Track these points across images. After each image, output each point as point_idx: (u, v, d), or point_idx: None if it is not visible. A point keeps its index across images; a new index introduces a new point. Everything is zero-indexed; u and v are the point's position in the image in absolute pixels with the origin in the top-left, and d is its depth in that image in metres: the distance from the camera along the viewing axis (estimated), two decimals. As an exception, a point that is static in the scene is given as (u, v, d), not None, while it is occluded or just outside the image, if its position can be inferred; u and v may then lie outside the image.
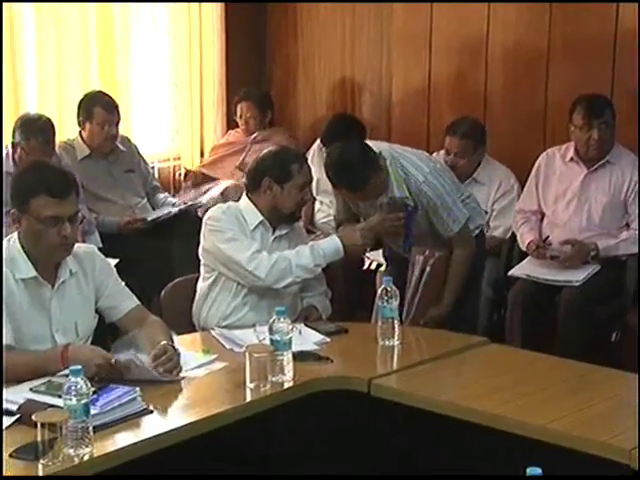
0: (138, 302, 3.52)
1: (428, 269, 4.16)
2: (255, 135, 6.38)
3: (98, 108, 5.47)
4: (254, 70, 6.86)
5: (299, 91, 6.81)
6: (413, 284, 4.20)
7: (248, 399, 3.10)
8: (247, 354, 3.13)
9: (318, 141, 5.93)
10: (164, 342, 3.25)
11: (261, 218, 3.98)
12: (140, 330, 3.42)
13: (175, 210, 5.68)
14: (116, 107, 5.54)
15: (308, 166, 4.09)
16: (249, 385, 3.11)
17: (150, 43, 6.36)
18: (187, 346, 3.48)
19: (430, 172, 4.18)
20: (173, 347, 3.26)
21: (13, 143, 5.08)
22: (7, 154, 5.11)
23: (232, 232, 3.92)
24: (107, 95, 5.59)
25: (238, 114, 6.43)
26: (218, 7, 6.51)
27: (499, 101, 5.80)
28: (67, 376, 2.66)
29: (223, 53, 6.59)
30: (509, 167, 5.47)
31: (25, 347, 3.19)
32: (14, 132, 5.08)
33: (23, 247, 3.23)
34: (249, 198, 4.02)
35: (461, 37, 5.88)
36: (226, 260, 3.91)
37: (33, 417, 2.56)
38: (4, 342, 3.09)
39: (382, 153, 4.15)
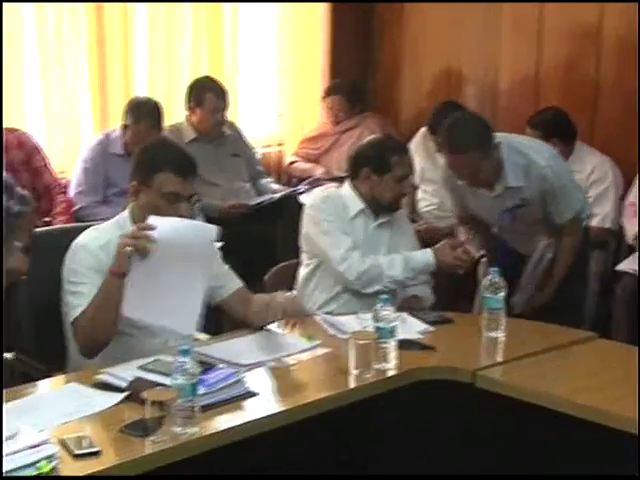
0: (242, 283, 3.57)
1: (549, 255, 4.15)
2: (343, 125, 6.43)
3: (210, 94, 5.56)
4: (359, 57, 6.88)
5: (403, 79, 6.82)
6: (529, 272, 4.19)
7: (351, 386, 3.10)
8: (351, 341, 3.15)
9: (423, 129, 5.92)
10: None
11: (362, 206, 4.00)
12: (247, 310, 3.48)
13: (278, 196, 5.73)
14: (226, 93, 5.62)
15: (409, 158, 4.08)
16: (352, 372, 3.12)
17: (258, 28, 6.43)
18: (291, 331, 3.51)
19: (551, 157, 4.18)
20: None
21: (123, 125, 5.19)
22: (117, 136, 5.23)
23: (328, 224, 3.95)
24: (217, 81, 5.68)
25: (328, 106, 6.46)
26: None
27: (610, 90, 5.72)
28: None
29: (329, 40, 6.63)
30: (617, 157, 5.42)
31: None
32: (124, 115, 5.19)
33: (135, 221, 3.31)
34: (351, 185, 4.05)
35: (573, 24, 5.82)
36: (320, 253, 3.97)
37: (142, 395, 2.63)
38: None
39: (499, 143, 4.13)
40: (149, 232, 3.07)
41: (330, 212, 3.98)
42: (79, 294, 3.19)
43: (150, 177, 3.26)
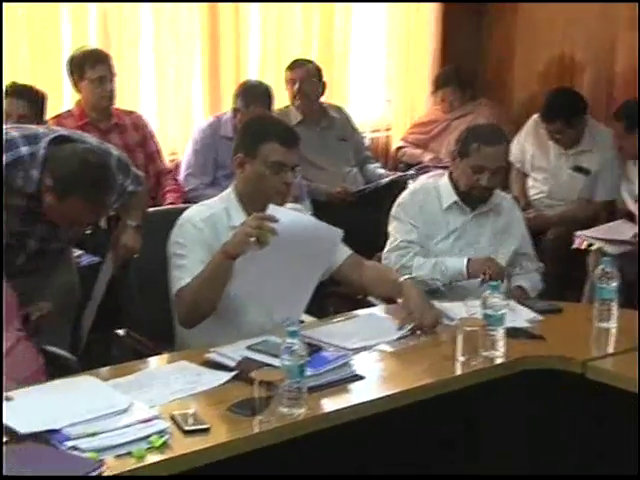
0: (351, 250, 3.59)
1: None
2: (455, 112, 6.39)
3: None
4: (470, 42, 6.82)
5: (515, 65, 6.74)
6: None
7: (457, 372, 3.09)
8: (459, 327, 3.14)
9: (535, 116, 5.84)
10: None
11: (455, 199, 3.99)
12: (362, 274, 3.54)
13: (385, 181, 5.73)
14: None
15: (495, 151, 3.95)
16: (459, 358, 3.11)
17: (369, 13, 6.43)
18: (396, 316, 3.51)
19: None
20: None
21: (234, 109, 5.25)
22: (227, 119, 5.30)
23: (398, 222, 4.01)
24: (318, 68, 5.72)
25: (439, 99, 6.42)
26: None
27: None
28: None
29: (440, 24, 6.59)
30: None
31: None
32: (235, 98, 5.25)
33: (239, 197, 3.39)
34: (449, 176, 4.05)
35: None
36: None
37: (251, 375, 2.67)
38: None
39: None
40: (272, 224, 3.08)
41: (413, 207, 4.02)
42: (183, 268, 3.25)
43: (256, 148, 3.32)
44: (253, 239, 3.08)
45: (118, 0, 5.25)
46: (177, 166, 5.40)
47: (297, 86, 5.67)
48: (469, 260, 3.89)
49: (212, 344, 3.09)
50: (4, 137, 3.35)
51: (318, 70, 5.75)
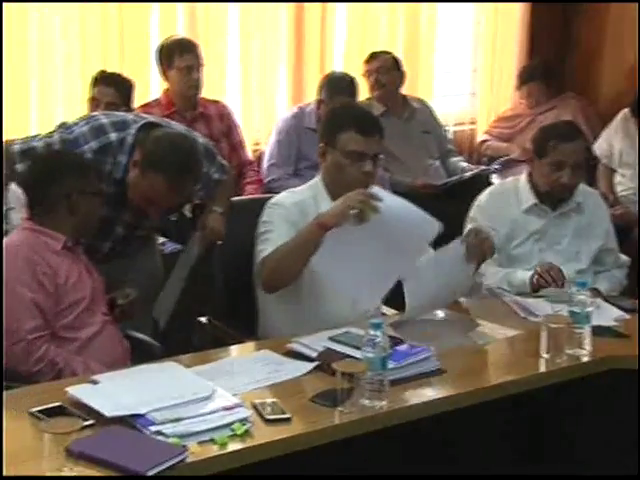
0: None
1: None
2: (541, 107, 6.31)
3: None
4: (558, 35, 6.74)
5: (605, 58, 6.63)
6: None
7: (542, 370, 3.06)
8: (544, 324, 3.10)
9: (625, 110, 5.75)
10: None
11: (535, 201, 3.93)
12: None
13: (468, 175, 5.69)
14: None
15: (573, 147, 3.89)
16: (543, 355, 3.07)
17: (455, 5, 6.39)
18: (478, 312, 3.50)
19: None
20: None
21: (318, 100, 5.26)
22: (311, 110, 5.31)
23: (480, 214, 3.96)
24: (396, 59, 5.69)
25: (524, 94, 6.35)
26: None
27: None
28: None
29: (527, 16, 6.51)
30: None
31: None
32: (320, 89, 5.26)
33: (326, 184, 3.40)
34: (528, 177, 3.99)
35: None
36: None
37: (333, 365, 2.66)
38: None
39: None
40: (377, 203, 3.08)
41: (493, 204, 3.99)
42: (268, 240, 3.28)
43: (334, 137, 3.33)
44: (355, 211, 3.07)
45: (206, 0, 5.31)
46: (260, 157, 5.42)
47: (374, 77, 5.65)
48: (532, 275, 3.78)
49: (294, 334, 3.10)
50: (95, 123, 3.40)
51: (396, 61, 5.73)
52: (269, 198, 3.50)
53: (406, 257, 3.29)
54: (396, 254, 3.25)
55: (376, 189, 3.16)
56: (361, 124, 3.33)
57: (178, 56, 4.89)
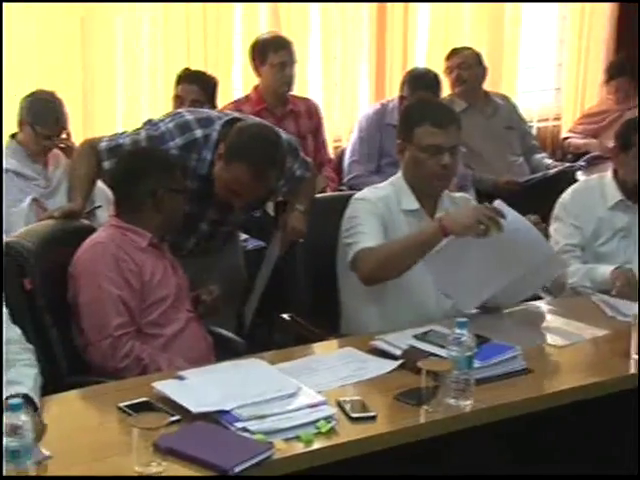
0: None
1: None
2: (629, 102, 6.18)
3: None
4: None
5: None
6: None
7: (632, 371, 2.98)
8: (633, 324, 3.02)
9: None
10: None
11: (620, 197, 3.85)
12: None
13: (552, 172, 5.62)
14: None
15: None
16: (633, 356, 3.00)
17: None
18: (564, 310, 3.46)
19: None
20: None
21: (400, 96, 5.24)
22: (394, 106, 5.29)
23: (560, 223, 3.87)
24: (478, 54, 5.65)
25: (611, 90, 6.24)
26: None
27: None
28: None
29: (615, 10, 6.42)
30: None
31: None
32: (402, 86, 5.24)
33: (407, 180, 3.39)
34: (614, 173, 3.91)
35: None
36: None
37: (419, 364, 2.64)
38: None
39: None
40: (501, 220, 3.07)
41: (576, 204, 3.90)
42: (360, 233, 3.28)
43: (411, 132, 3.32)
44: (482, 227, 3.06)
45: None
46: (341, 154, 5.41)
47: (456, 73, 5.61)
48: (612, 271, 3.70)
49: (378, 331, 3.10)
50: (180, 119, 3.44)
51: (478, 56, 5.68)
52: (350, 195, 3.50)
53: (511, 272, 3.27)
54: (503, 268, 3.24)
55: (498, 203, 3.14)
56: (435, 117, 3.32)
57: (272, 52, 4.92)
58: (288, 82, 4.99)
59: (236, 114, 3.67)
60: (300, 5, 5.38)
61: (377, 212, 3.31)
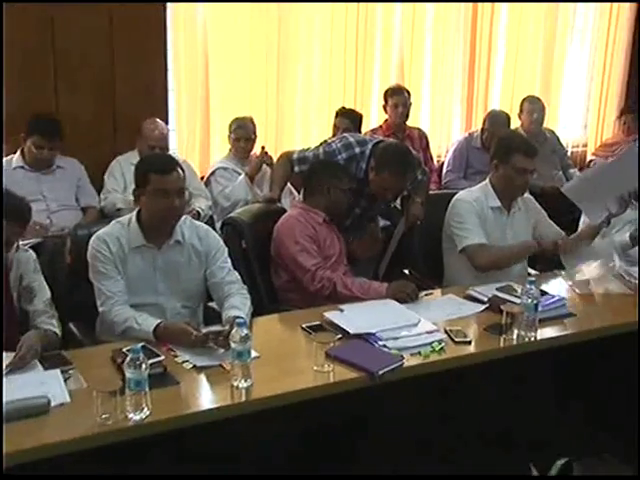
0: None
1: None
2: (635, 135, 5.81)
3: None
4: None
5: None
6: None
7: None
8: None
9: None
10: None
11: None
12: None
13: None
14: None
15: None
16: (642, 307, 2.82)
17: (576, 57, 5.98)
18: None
19: None
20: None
21: (482, 129, 5.03)
22: (477, 135, 5.07)
23: None
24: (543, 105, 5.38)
25: (622, 124, 5.88)
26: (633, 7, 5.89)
27: None
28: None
29: (628, 67, 6.04)
30: None
31: None
32: (484, 121, 5.02)
33: (493, 186, 3.22)
34: None
35: None
36: None
37: (502, 307, 2.56)
38: None
39: None
40: None
41: None
42: (466, 230, 3.16)
43: (508, 156, 3.16)
44: None
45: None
46: (441, 165, 5.27)
47: (534, 117, 5.33)
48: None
49: (470, 284, 2.98)
50: (345, 141, 3.35)
51: (543, 106, 5.40)
52: (447, 194, 3.41)
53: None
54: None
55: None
56: (527, 149, 3.16)
57: (390, 96, 4.80)
58: (402, 116, 4.84)
59: (381, 137, 3.56)
60: (418, 63, 5.21)
61: (474, 210, 3.18)
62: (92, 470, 1.89)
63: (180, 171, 2.55)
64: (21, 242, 2.70)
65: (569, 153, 5.89)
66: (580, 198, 3.19)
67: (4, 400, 1.90)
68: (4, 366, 2.11)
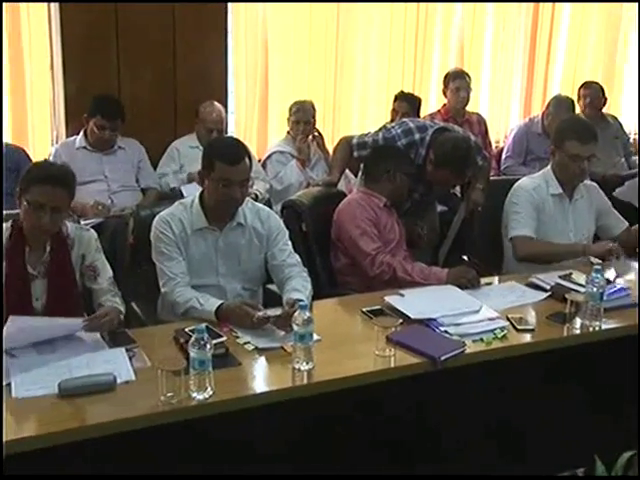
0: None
1: None
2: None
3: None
4: None
5: None
6: None
7: None
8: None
9: None
10: None
11: None
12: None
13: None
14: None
15: None
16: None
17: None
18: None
19: None
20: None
21: (544, 112, 4.93)
22: (538, 120, 4.96)
23: None
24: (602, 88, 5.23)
25: None
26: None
27: None
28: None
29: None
30: None
31: None
32: (547, 105, 4.92)
33: (554, 172, 3.15)
34: None
35: None
36: None
37: (566, 295, 2.50)
38: None
39: None
40: None
41: None
42: (517, 220, 3.10)
43: (562, 142, 3.09)
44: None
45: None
46: (500, 151, 5.17)
47: (587, 101, 5.21)
48: None
49: (528, 272, 2.92)
50: (405, 127, 3.30)
51: (602, 89, 5.26)
52: (508, 180, 3.31)
53: None
54: None
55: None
56: (581, 135, 3.06)
57: (452, 80, 4.72)
58: (462, 101, 4.76)
59: (443, 124, 3.50)
60: (477, 47, 5.13)
61: (531, 200, 3.10)
62: (151, 449, 1.90)
63: (248, 161, 2.52)
64: (83, 222, 2.75)
65: (632, 140, 5.71)
66: (634, 197, 3.11)
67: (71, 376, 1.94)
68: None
